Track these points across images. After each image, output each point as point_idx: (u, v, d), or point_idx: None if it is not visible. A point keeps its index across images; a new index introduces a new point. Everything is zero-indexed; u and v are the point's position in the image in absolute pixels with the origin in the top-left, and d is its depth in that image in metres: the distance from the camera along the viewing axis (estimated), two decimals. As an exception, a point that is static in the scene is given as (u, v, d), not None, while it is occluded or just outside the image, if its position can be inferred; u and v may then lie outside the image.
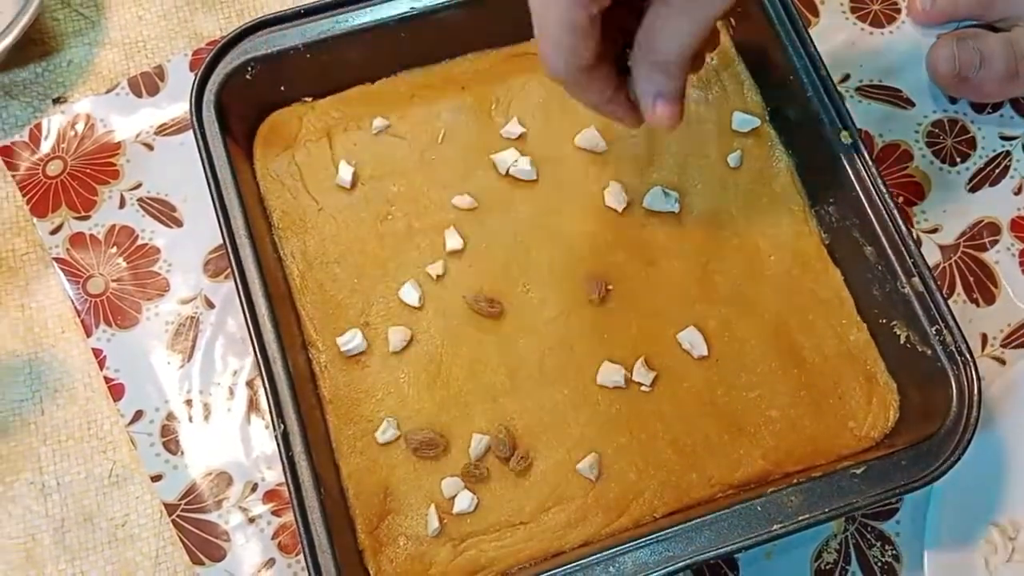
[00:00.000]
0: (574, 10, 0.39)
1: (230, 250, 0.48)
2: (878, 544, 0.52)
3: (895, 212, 0.49)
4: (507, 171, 0.53)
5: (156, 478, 0.52)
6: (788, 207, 0.54)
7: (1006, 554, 0.50)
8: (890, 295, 0.49)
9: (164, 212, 0.57)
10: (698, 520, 0.44)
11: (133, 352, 0.54)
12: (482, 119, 0.55)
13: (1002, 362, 0.55)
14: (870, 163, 0.50)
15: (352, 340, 0.50)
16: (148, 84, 0.60)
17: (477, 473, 0.48)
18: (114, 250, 0.56)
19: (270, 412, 0.46)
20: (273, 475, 0.52)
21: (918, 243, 0.51)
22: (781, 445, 0.49)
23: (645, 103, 0.43)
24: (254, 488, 0.52)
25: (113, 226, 0.57)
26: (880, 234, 0.49)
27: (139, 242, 0.56)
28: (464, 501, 0.47)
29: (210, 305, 0.55)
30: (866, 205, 0.50)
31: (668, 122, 0.43)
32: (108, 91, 0.60)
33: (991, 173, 0.59)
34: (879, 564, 0.51)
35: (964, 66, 0.57)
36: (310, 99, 0.55)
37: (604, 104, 0.44)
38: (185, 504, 0.52)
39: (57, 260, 0.56)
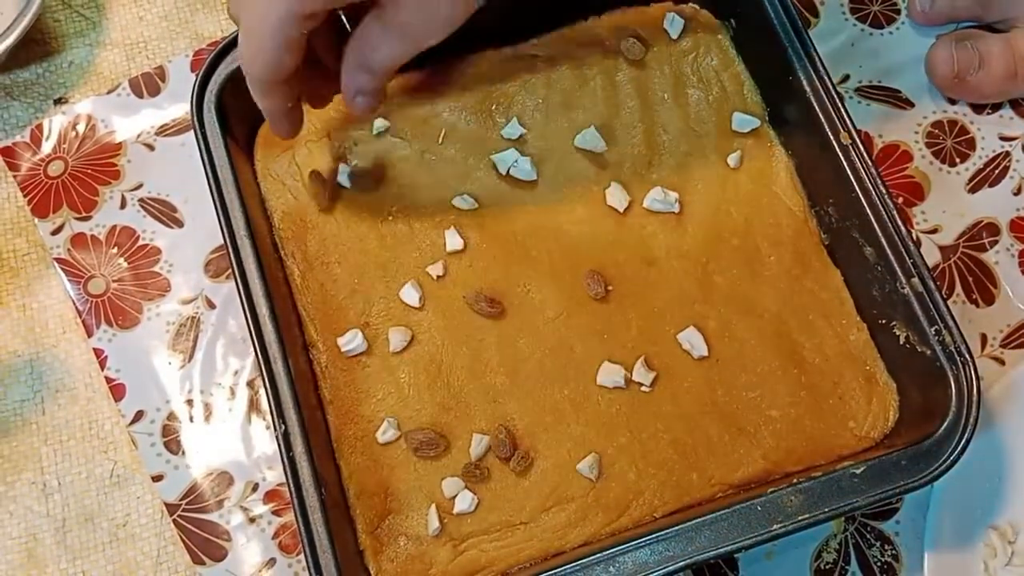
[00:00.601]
0: (290, 27, 0.40)
1: (231, 250, 0.48)
2: (878, 544, 0.52)
3: (894, 212, 0.49)
4: (507, 171, 0.54)
5: (157, 478, 0.52)
6: (788, 207, 0.54)
7: (1005, 558, 0.51)
8: (890, 295, 0.49)
9: (165, 212, 0.57)
10: (698, 520, 0.44)
11: (134, 352, 0.54)
12: (482, 119, 0.55)
13: (1001, 362, 0.55)
14: (870, 164, 0.50)
15: (353, 340, 0.50)
16: (149, 85, 0.60)
17: (477, 473, 0.48)
18: (115, 250, 0.56)
19: (271, 412, 0.46)
20: (274, 475, 0.52)
21: (918, 243, 0.51)
22: (781, 445, 0.49)
23: (348, 95, 0.46)
24: (255, 488, 0.52)
25: (114, 226, 0.57)
26: (880, 234, 0.49)
27: (140, 242, 0.57)
28: (464, 501, 0.48)
29: (211, 305, 0.55)
30: (866, 205, 0.50)
31: (365, 114, 0.48)
32: (109, 92, 0.60)
33: (991, 174, 0.59)
34: (879, 564, 0.52)
35: (963, 67, 0.57)
36: (311, 100, 0.55)
37: (280, 114, 0.47)
38: (186, 504, 0.52)
39: (58, 260, 0.56)
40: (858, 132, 0.51)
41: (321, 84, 0.48)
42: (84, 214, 0.57)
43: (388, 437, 0.49)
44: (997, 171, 0.59)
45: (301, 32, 0.40)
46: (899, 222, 0.49)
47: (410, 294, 0.51)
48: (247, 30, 0.42)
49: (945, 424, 0.46)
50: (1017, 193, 0.59)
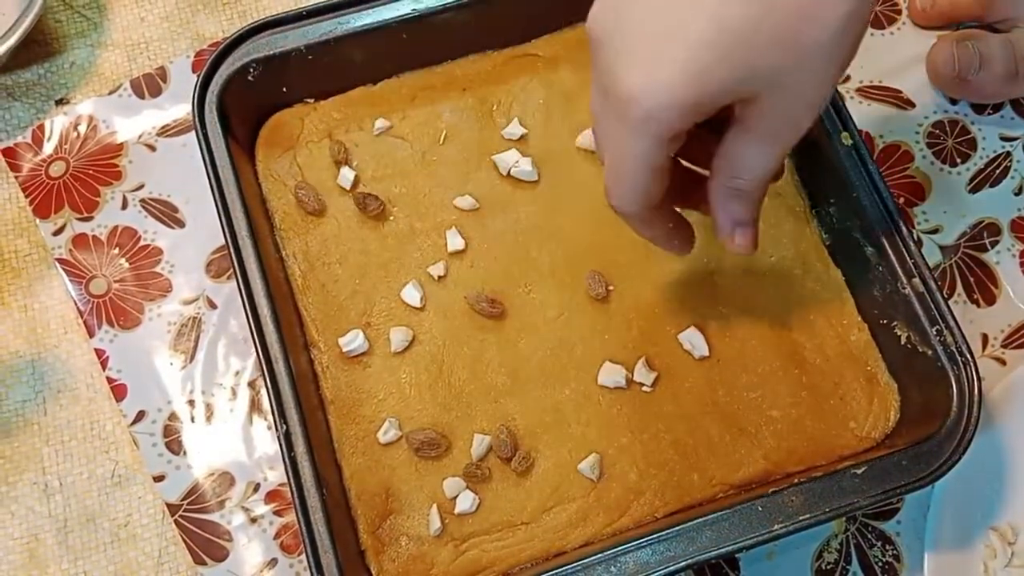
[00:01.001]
0: (654, 153, 0.38)
1: (232, 250, 0.48)
2: (879, 544, 0.52)
3: (896, 213, 0.49)
4: (508, 172, 0.54)
5: (158, 478, 0.52)
6: (789, 207, 0.54)
7: (1005, 559, 0.51)
8: (891, 295, 0.49)
9: (166, 213, 0.57)
10: (699, 520, 0.44)
11: (136, 353, 0.54)
12: (483, 120, 0.55)
13: (1003, 362, 0.55)
14: (871, 164, 0.50)
15: (354, 341, 0.50)
16: (150, 85, 0.60)
17: (479, 473, 0.48)
18: (116, 251, 0.56)
19: (272, 412, 0.46)
20: (275, 475, 0.52)
21: (919, 244, 0.51)
22: (782, 445, 0.49)
23: (724, 232, 0.43)
24: (256, 488, 0.52)
25: (116, 227, 0.57)
26: (881, 234, 0.49)
27: (141, 243, 0.57)
28: (466, 501, 0.48)
29: (212, 306, 0.55)
30: (867, 206, 0.50)
31: (747, 250, 0.43)
32: (111, 92, 0.60)
33: (992, 174, 0.59)
34: (880, 564, 0.52)
35: (963, 67, 0.57)
36: (312, 100, 0.55)
37: (666, 237, 0.44)
38: (187, 504, 0.52)
39: (60, 261, 0.56)
40: (859, 132, 0.51)
41: (693, 189, 0.44)
42: (86, 215, 0.57)
43: (390, 437, 0.49)
44: (998, 171, 0.59)
45: (667, 157, 0.39)
46: (900, 222, 0.49)
47: (411, 294, 0.51)
48: (613, 168, 0.40)
49: (946, 424, 0.46)
50: (1018, 193, 0.59)
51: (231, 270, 0.49)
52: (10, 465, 0.53)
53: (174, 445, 0.53)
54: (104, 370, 0.54)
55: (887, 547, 0.52)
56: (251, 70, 0.52)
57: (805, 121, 0.38)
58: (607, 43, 0.38)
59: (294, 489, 0.45)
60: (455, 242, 0.52)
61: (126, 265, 0.56)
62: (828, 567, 0.51)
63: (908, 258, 0.48)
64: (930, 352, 0.47)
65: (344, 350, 0.50)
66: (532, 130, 0.55)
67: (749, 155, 0.40)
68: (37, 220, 0.57)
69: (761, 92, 0.36)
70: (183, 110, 0.59)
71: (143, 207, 0.57)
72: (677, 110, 0.36)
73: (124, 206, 0.57)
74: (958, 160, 0.59)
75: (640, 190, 0.40)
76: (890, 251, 0.49)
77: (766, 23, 0.35)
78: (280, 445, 0.45)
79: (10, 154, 0.58)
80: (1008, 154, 0.60)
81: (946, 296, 0.49)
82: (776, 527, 0.44)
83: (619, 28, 0.37)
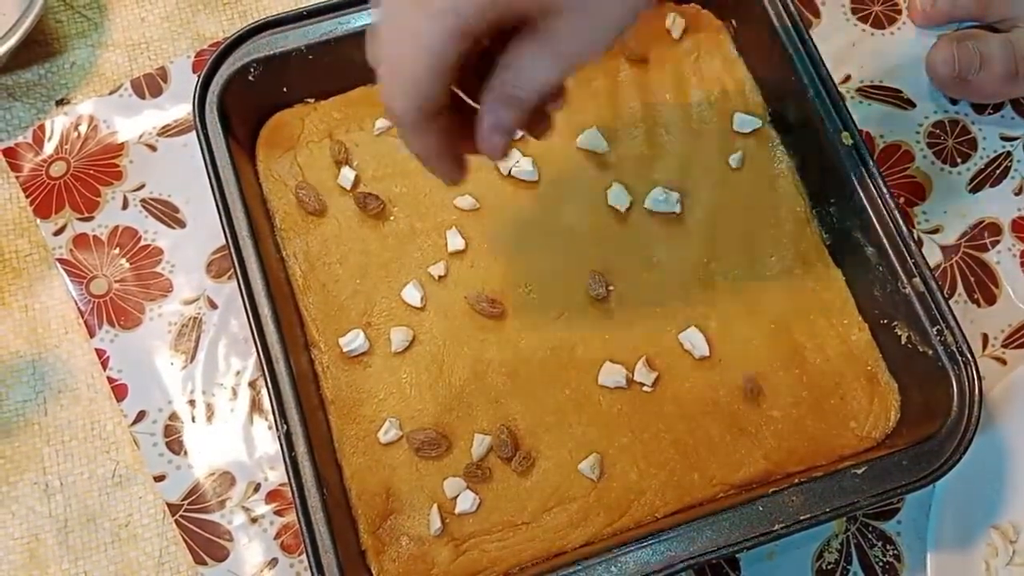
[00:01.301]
0: (447, 46, 0.36)
1: (233, 250, 0.48)
2: (879, 544, 0.52)
3: (896, 213, 0.49)
4: (509, 172, 0.54)
5: (159, 478, 0.52)
6: (789, 208, 0.54)
7: (1007, 557, 0.51)
8: (891, 295, 0.49)
9: (167, 213, 0.57)
10: (700, 520, 0.44)
11: (136, 353, 0.54)
12: (484, 120, 0.55)
13: (1003, 362, 0.55)
14: (871, 164, 0.50)
15: (354, 340, 0.50)
16: (151, 85, 0.60)
17: (479, 473, 0.48)
18: (117, 251, 0.56)
19: (273, 412, 0.46)
20: (276, 475, 0.52)
21: (919, 243, 0.51)
22: (783, 445, 0.49)
23: (481, 133, 0.40)
24: (257, 488, 0.52)
25: (116, 227, 0.57)
26: (881, 234, 0.49)
27: (142, 243, 0.57)
28: (466, 502, 0.48)
29: (213, 306, 0.55)
30: (867, 206, 0.50)
31: (496, 156, 0.41)
32: (111, 92, 0.60)
33: (992, 174, 0.59)
34: (880, 564, 0.52)
35: (963, 67, 0.57)
36: (312, 100, 0.55)
37: (434, 156, 0.42)
38: (188, 504, 0.52)
39: (60, 261, 0.56)
40: (860, 132, 0.51)
41: (468, 132, 0.41)
42: (86, 215, 0.57)
43: (390, 437, 0.49)
44: (998, 171, 0.59)
45: (457, 54, 0.37)
46: (900, 222, 0.49)
47: (412, 294, 0.51)
48: (395, 63, 0.38)
49: (947, 424, 0.46)
50: (1018, 193, 0.59)
51: (232, 270, 0.49)
52: (11, 465, 0.53)
53: (175, 445, 0.53)
54: (105, 370, 0.54)
55: (888, 547, 0.52)
56: (252, 70, 0.52)
57: (600, 44, 0.38)
58: None
59: (295, 489, 0.45)
60: (455, 242, 0.52)
61: (127, 265, 0.56)
62: (829, 567, 0.51)
63: (908, 258, 0.49)
64: (931, 352, 0.47)
65: (344, 350, 0.50)
66: (532, 130, 0.55)
67: (536, 66, 0.38)
68: (38, 220, 0.57)
69: (563, 2, 0.36)
70: (184, 110, 0.59)
71: (144, 207, 0.57)
72: (478, 3, 0.35)
73: (125, 206, 0.57)
74: (958, 160, 0.59)
75: (423, 86, 0.38)
76: (890, 251, 0.49)
77: None
78: (281, 445, 0.45)
79: (11, 154, 0.58)
80: (1008, 154, 0.60)
81: (946, 296, 0.49)
82: (776, 527, 0.44)
83: None
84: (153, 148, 0.59)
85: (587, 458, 0.48)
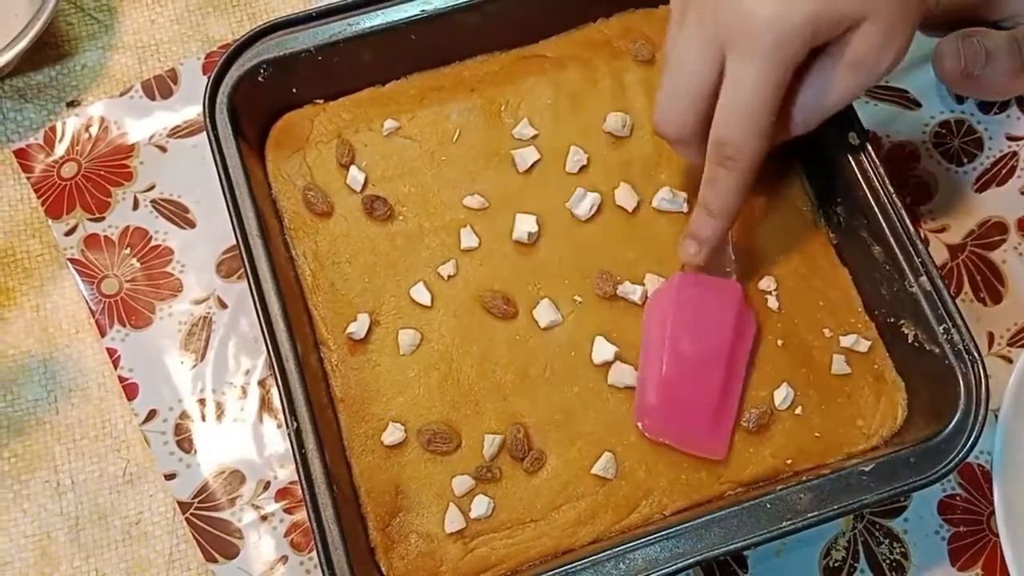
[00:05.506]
0: (782, 77, 0.42)
1: (243, 250, 0.49)
2: (886, 541, 0.52)
3: (902, 212, 0.49)
4: (527, 169, 0.54)
5: (170, 476, 0.52)
6: (796, 207, 0.54)
7: None
8: (898, 294, 0.49)
9: (177, 213, 0.58)
10: (708, 517, 0.44)
11: (147, 352, 0.55)
12: (491, 121, 0.55)
13: (1009, 360, 0.55)
14: (877, 163, 0.50)
15: (361, 326, 0.50)
16: (161, 87, 0.61)
17: (490, 475, 0.48)
18: (128, 251, 0.57)
19: (282, 411, 0.46)
20: (285, 473, 0.53)
21: (926, 242, 0.51)
22: (790, 443, 0.49)
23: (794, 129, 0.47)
24: (267, 486, 0.52)
25: (127, 227, 0.57)
26: (888, 234, 0.49)
27: (153, 243, 0.57)
28: (481, 506, 0.48)
29: (223, 305, 0.56)
30: (874, 205, 0.50)
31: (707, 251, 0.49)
32: (122, 94, 0.60)
33: (998, 173, 0.59)
34: (887, 561, 0.52)
35: (969, 62, 0.57)
36: (321, 101, 0.55)
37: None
38: (198, 502, 0.52)
39: (72, 261, 0.56)
40: (866, 132, 0.51)
41: None
42: (97, 215, 0.57)
43: (395, 439, 0.49)
44: (1004, 170, 0.59)
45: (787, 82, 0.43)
46: (907, 221, 0.49)
47: (420, 293, 0.51)
48: (733, 104, 0.43)
49: (953, 422, 0.46)
50: (1024, 192, 0.59)
51: (241, 270, 0.50)
52: (22, 463, 0.53)
53: (185, 443, 0.53)
54: (116, 369, 0.54)
55: (895, 544, 0.52)
56: (261, 71, 0.52)
57: (887, 53, 0.43)
58: None
59: (304, 486, 0.45)
60: (468, 240, 0.52)
61: (137, 265, 0.57)
62: (836, 565, 0.52)
63: (915, 257, 0.49)
64: (937, 350, 0.48)
65: (349, 331, 0.50)
66: (541, 130, 0.55)
67: (836, 82, 0.43)
68: (49, 221, 0.57)
69: (867, 15, 0.41)
70: (194, 111, 0.60)
71: (154, 207, 0.58)
72: (808, 32, 0.41)
73: (135, 206, 0.58)
74: (964, 159, 0.60)
75: (764, 122, 0.43)
76: (897, 250, 0.49)
77: None
78: (291, 443, 0.45)
79: (22, 155, 0.59)
80: (1014, 153, 0.60)
81: (953, 294, 0.49)
82: (784, 524, 0.44)
83: None
84: (163, 149, 0.59)
85: (601, 457, 0.48)
